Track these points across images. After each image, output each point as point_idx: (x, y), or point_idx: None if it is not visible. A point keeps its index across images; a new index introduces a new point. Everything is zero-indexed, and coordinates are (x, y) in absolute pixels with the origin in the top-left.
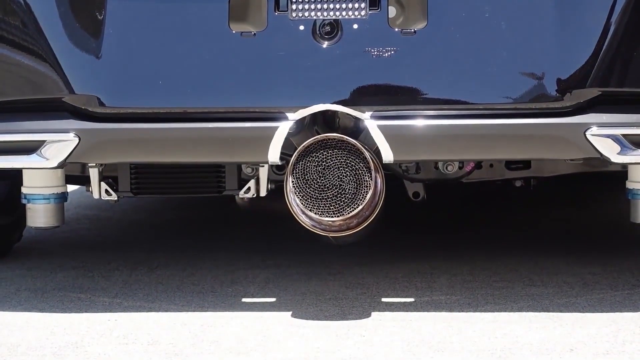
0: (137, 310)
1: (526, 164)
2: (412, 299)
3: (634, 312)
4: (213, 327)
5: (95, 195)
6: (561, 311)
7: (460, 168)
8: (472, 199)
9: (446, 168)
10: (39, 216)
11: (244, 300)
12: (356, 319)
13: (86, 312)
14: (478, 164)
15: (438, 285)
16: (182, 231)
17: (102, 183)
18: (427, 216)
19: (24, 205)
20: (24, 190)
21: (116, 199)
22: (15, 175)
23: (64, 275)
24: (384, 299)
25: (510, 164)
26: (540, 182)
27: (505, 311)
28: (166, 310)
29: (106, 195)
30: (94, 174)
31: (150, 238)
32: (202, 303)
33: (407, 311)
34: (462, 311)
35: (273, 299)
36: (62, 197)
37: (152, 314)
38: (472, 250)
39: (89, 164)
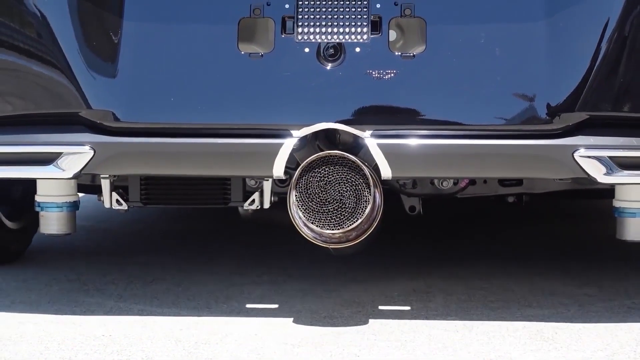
0: (131, 325)
1: (518, 180)
2: (407, 319)
3: (630, 334)
4: (207, 345)
5: (107, 205)
6: (556, 333)
7: (455, 184)
8: (469, 216)
9: (441, 184)
10: (52, 224)
11: (238, 317)
12: (351, 338)
13: (80, 326)
14: (472, 180)
15: (434, 305)
16: (179, 245)
17: (114, 193)
18: (425, 234)
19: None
20: (38, 198)
21: (126, 208)
22: (29, 183)
23: (59, 288)
24: (379, 318)
25: (503, 181)
26: (534, 199)
27: (501, 332)
28: (161, 326)
29: (117, 205)
30: (105, 184)
31: (146, 251)
32: (197, 319)
33: (402, 331)
34: (458, 332)
35: (268, 317)
36: (75, 205)
37: (147, 329)
38: (468, 269)
39: (102, 175)
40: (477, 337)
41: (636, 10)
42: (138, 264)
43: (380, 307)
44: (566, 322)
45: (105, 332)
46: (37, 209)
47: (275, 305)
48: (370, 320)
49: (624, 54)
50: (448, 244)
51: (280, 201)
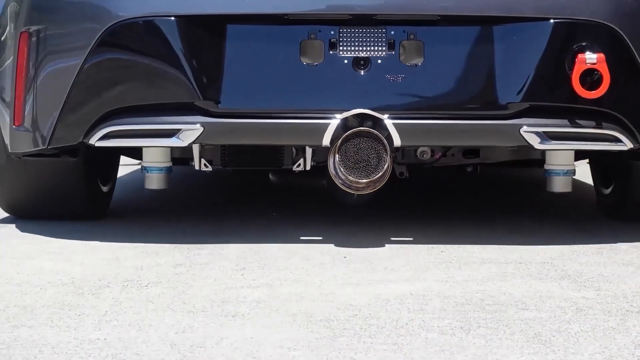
0: (126, 329)
1: (476, 154)
2: (404, 322)
3: (628, 337)
4: (202, 348)
5: (197, 167)
6: (554, 336)
7: (431, 156)
8: (466, 216)
9: (422, 155)
10: (154, 181)
11: (234, 320)
12: (347, 342)
13: (75, 330)
14: (444, 154)
15: (430, 309)
16: (174, 248)
17: (202, 159)
18: (422, 235)
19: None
20: (144, 164)
21: (211, 169)
22: (114, 156)
23: (54, 291)
24: (375, 322)
25: (465, 154)
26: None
27: (498, 336)
28: (156, 330)
29: (204, 167)
30: (196, 152)
31: (141, 254)
32: (192, 323)
33: (398, 334)
34: (454, 335)
35: (264, 320)
36: (169, 169)
37: (142, 333)
38: (465, 272)
39: (194, 146)
40: (474, 340)
41: (557, 39)
42: (133, 268)
43: (377, 311)
44: (564, 325)
45: (100, 335)
46: (144, 171)
47: (272, 309)
48: (367, 324)
49: (552, 66)
50: (444, 245)
51: (313, 168)
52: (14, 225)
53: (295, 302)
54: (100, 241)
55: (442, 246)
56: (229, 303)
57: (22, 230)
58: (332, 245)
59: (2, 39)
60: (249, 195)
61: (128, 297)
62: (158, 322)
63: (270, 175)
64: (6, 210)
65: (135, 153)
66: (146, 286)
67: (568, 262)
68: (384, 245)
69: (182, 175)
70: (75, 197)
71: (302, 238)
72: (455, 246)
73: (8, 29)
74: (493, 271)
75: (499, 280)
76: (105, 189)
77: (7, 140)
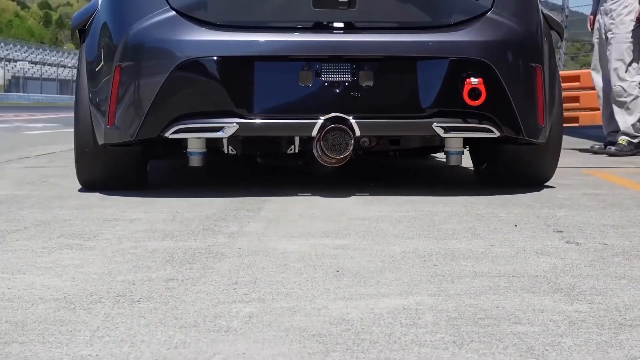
0: (118, 344)
1: (398, 143)
2: (396, 336)
3: (621, 351)
4: None
5: (225, 152)
6: (547, 350)
7: (369, 144)
8: (458, 232)
9: (364, 144)
10: (195, 161)
11: (226, 335)
12: (339, 357)
13: (67, 346)
14: (377, 142)
15: (423, 322)
16: (167, 262)
17: (229, 146)
18: (414, 249)
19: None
20: (189, 150)
21: (235, 153)
22: (157, 147)
23: (45, 307)
24: (367, 336)
25: (390, 143)
26: (406, 153)
27: (491, 350)
28: (148, 345)
29: (231, 151)
30: (225, 142)
31: (133, 269)
32: (184, 338)
33: (391, 349)
34: (447, 349)
35: (256, 335)
36: (205, 154)
37: (134, 349)
38: (458, 285)
39: (226, 137)
40: (467, 354)
41: (454, 69)
42: (125, 283)
43: (369, 325)
44: (557, 339)
45: (92, 352)
46: (188, 154)
47: (264, 324)
48: (359, 339)
49: (451, 86)
50: (437, 260)
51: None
52: (3, 239)
53: (288, 316)
54: (92, 256)
55: (434, 259)
56: (221, 318)
57: (13, 245)
58: (325, 259)
59: (97, 69)
60: (239, 209)
61: (120, 312)
62: (150, 338)
63: (258, 159)
64: (82, 184)
65: (167, 152)
66: (138, 301)
67: (561, 275)
68: (376, 259)
69: (173, 190)
70: (134, 174)
71: (293, 254)
72: (448, 259)
73: (102, 63)
74: (486, 284)
75: (492, 293)
76: (147, 169)
77: (99, 136)
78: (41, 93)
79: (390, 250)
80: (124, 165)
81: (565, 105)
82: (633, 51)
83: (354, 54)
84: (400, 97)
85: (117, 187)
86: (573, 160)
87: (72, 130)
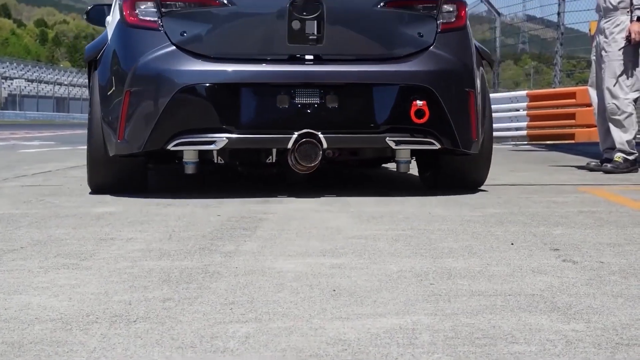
0: None
1: (356, 154)
2: (393, 357)
3: None
4: None
5: (215, 161)
6: None
7: (333, 155)
8: (454, 250)
9: (328, 155)
10: (190, 169)
11: (223, 356)
12: None
13: None
14: (340, 154)
15: (420, 342)
16: (163, 282)
17: (218, 157)
18: (410, 267)
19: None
20: (185, 160)
21: (224, 162)
22: (147, 156)
23: (41, 327)
24: (364, 357)
25: (350, 154)
26: (363, 163)
27: None
28: None
29: (220, 161)
30: (215, 153)
31: (130, 289)
32: (181, 359)
33: None
34: None
35: (253, 355)
36: (198, 163)
37: None
38: (455, 304)
39: (216, 149)
40: None
41: (403, 93)
42: (122, 303)
43: (366, 345)
44: (554, 358)
45: None
46: (184, 164)
47: (260, 344)
48: (356, 359)
49: (401, 107)
50: (434, 279)
51: (276, 161)
52: (0, 259)
53: (285, 336)
54: (88, 275)
55: (431, 278)
56: (218, 338)
57: (9, 265)
58: (321, 278)
59: (109, 93)
60: (235, 228)
61: (117, 332)
62: (147, 359)
63: (239, 168)
64: (93, 189)
65: (164, 160)
66: (135, 321)
67: (557, 293)
68: (373, 278)
69: (168, 211)
70: (137, 179)
71: (289, 273)
72: (444, 278)
73: (113, 87)
74: (482, 304)
75: (489, 313)
76: (147, 175)
77: (110, 148)
78: (37, 111)
79: (387, 269)
80: (129, 173)
81: (561, 122)
82: (625, 69)
83: (322, 81)
84: (359, 116)
85: (122, 191)
86: (569, 178)
87: (69, 148)
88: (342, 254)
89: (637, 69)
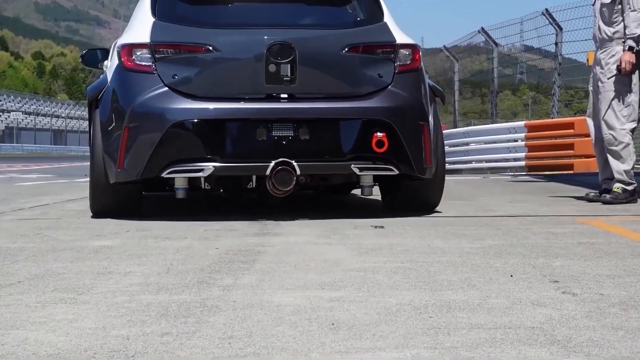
0: None
1: (326, 180)
2: None
3: None
4: None
5: (203, 187)
6: None
7: (306, 181)
8: (453, 283)
9: (302, 181)
10: (181, 194)
11: None
12: None
13: None
14: (311, 180)
15: None
16: (161, 316)
17: (206, 183)
18: (410, 300)
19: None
20: (176, 186)
21: (210, 188)
22: (140, 183)
23: None
24: None
25: (320, 179)
26: (331, 188)
27: None
28: None
29: (207, 187)
30: (202, 180)
31: (127, 323)
32: None
33: None
34: None
35: None
36: (187, 189)
37: None
38: (454, 337)
39: (204, 176)
40: None
41: (366, 127)
42: (120, 338)
43: None
44: None
45: None
46: (176, 189)
47: None
48: None
49: (364, 138)
50: (433, 311)
51: (256, 186)
52: None
53: None
54: (86, 310)
55: (430, 311)
56: None
57: (6, 299)
58: (320, 311)
59: (110, 128)
60: (233, 261)
61: None
62: None
63: (223, 193)
64: (94, 213)
65: (157, 187)
66: (133, 356)
67: (557, 326)
68: (372, 311)
69: (166, 245)
70: (133, 204)
71: (288, 307)
72: (444, 311)
73: (114, 123)
74: (482, 336)
75: (488, 346)
76: (142, 200)
77: (110, 176)
78: (35, 143)
79: (386, 302)
80: (127, 198)
81: (559, 152)
82: (621, 99)
83: (295, 117)
84: (328, 146)
85: (121, 214)
86: (568, 209)
87: (67, 181)
88: (340, 286)
89: (633, 98)
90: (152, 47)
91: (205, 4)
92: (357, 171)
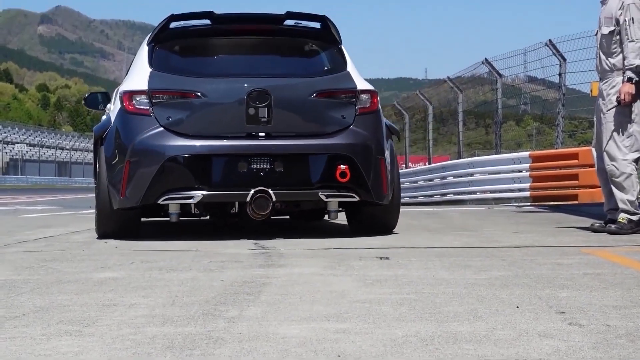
0: None
1: (299, 206)
2: None
3: None
4: None
5: (192, 212)
6: None
7: (280, 207)
8: (459, 314)
9: (277, 206)
10: (174, 218)
11: None
12: None
13: None
14: (286, 205)
15: None
16: (167, 349)
17: (195, 208)
18: (416, 332)
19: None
20: (170, 211)
21: (199, 213)
22: (147, 207)
23: None
24: None
25: (294, 206)
26: (303, 213)
27: None
28: None
29: (196, 211)
30: (192, 206)
31: (133, 356)
32: None
33: None
34: None
35: None
36: (178, 215)
37: None
38: None
39: (194, 203)
40: None
41: (331, 160)
42: None
43: None
44: None
45: None
46: (170, 214)
47: None
48: None
49: (329, 169)
50: (435, 346)
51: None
52: (2, 326)
53: None
54: (91, 342)
55: (436, 343)
56: None
57: (11, 332)
58: (326, 343)
59: (114, 162)
60: (238, 293)
61: None
62: None
63: (209, 217)
64: (99, 235)
65: (153, 213)
66: None
67: (564, 358)
68: (378, 343)
69: (170, 276)
70: (133, 227)
71: (293, 339)
72: (450, 343)
73: (117, 158)
74: None
75: None
76: (140, 224)
77: (114, 203)
78: (39, 175)
79: (392, 333)
80: (128, 222)
81: (564, 182)
82: (622, 130)
83: (271, 152)
84: (299, 177)
85: (122, 236)
86: (573, 239)
87: (71, 212)
88: (346, 318)
89: (635, 129)
90: (150, 93)
91: (194, 56)
92: (324, 198)
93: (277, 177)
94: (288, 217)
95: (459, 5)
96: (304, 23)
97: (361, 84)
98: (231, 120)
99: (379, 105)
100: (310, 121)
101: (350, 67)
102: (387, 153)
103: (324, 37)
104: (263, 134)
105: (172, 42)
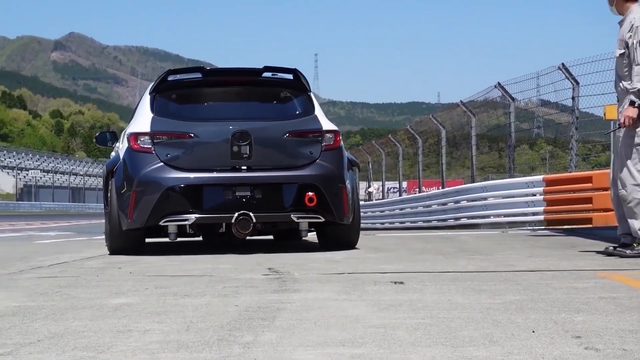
0: None
1: (276, 226)
2: None
3: None
4: None
5: (187, 232)
6: None
7: (260, 227)
8: (475, 339)
9: (257, 227)
10: (172, 237)
11: None
12: None
13: None
14: (265, 226)
15: None
16: None
17: (189, 229)
18: (431, 357)
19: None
20: (169, 231)
21: (193, 233)
22: (151, 229)
23: None
24: None
25: (272, 226)
26: (281, 234)
27: None
28: None
29: (191, 231)
30: (187, 226)
31: None
32: None
33: None
34: None
35: None
36: (175, 235)
37: None
38: None
39: (189, 224)
40: None
41: (301, 189)
42: None
43: None
44: None
45: None
46: (169, 234)
47: None
48: None
49: (299, 196)
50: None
51: (224, 231)
52: (17, 353)
53: None
54: None
55: None
56: None
57: (26, 358)
58: None
59: (122, 191)
60: (253, 319)
61: None
62: None
63: (201, 237)
64: (110, 252)
65: (155, 234)
66: None
67: None
68: None
69: (185, 302)
70: (138, 245)
71: None
72: None
73: (125, 188)
74: None
75: None
76: (145, 242)
77: (123, 225)
78: (53, 201)
79: (408, 359)
80: (134, 240)
81: (578, 206)
82: (632, 154)
83: (252, 182)
84: (275, 202)
85: (130, 253)
86: (588, 263)
87: (85, 238)
88: (361, 343)
89: None
90: (152, 134)
91: (188, 103)
92: (295, 219)
93: (256, 202)
94: (272, 237)
95: (472, 30)
96: (279, 75)
97: (326, 125)
98: (219, 156)
99: (342, 143)
100: (283, 156)
101: (318, 111)
102: (347, 182)
103: (296, 86)
104: (245, 167)
105: (169, 92)
